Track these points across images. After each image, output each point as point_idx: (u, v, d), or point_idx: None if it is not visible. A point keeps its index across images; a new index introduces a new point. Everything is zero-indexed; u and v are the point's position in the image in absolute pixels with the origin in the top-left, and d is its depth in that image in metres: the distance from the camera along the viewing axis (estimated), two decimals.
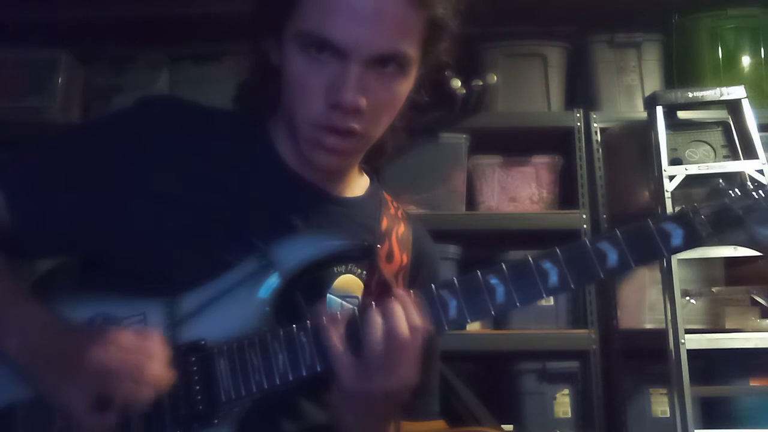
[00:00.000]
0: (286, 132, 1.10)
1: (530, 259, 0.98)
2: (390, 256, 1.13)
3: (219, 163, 1.08)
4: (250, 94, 1.14)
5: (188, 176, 1.05)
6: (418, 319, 0.93)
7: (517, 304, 0.97)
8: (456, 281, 0.97)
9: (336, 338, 0.92)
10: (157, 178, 1.04)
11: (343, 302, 1.07)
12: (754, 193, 0.99)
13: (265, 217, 1.06)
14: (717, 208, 0.98)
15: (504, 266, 0.97)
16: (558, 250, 0.97)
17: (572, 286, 0.97)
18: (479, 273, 0.97)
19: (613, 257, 0.96)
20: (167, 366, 0.91)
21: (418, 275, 1.18)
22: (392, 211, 1.19)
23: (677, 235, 0.97)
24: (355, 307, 0.97)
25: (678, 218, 0.98)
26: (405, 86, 1.04)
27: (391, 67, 1.00)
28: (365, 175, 1.22)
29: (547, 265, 0.97)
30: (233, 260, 1.01)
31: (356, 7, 0.95)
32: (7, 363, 0.94)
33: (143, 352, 0.90)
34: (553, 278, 0.96)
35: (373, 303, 0.95)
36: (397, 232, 1.16)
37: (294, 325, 0.96)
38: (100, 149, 1.06)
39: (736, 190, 0.99)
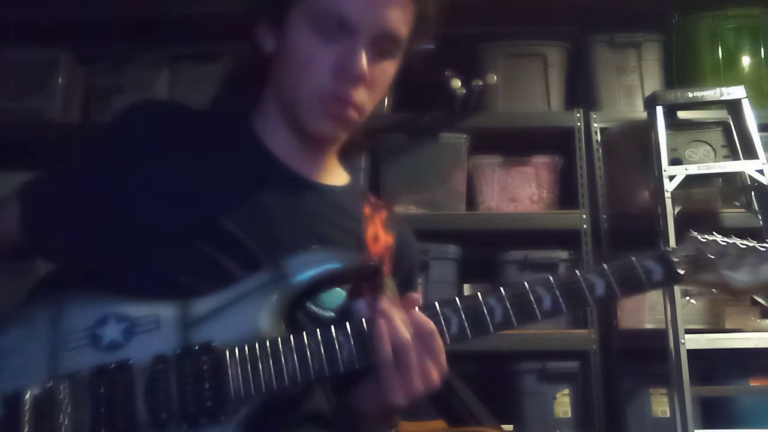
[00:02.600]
0: (279, 126, 1.16)
1: (526, 285, 1.04)
2: (376, 238, 1.20)
3: (208, 159, 1.12)
4: (234, 89, 1.21)
5: (179, 175, 1.09)
6: (428, 320, 0.99)
7: (515, 324, 1.04)
8: (458, 300, 1.03)
9: (388, 351, 0.97)
10: (148, 179, 1.08)
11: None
12: (722, 242, 1.10)
13: (254, 210, 1.10)
14: (691, 251, 1.09)
15: (502, 290, 1.04)
16: (551, 279, 1.05)
17: (565, 311, 1.05)
18: (480, 294, 1.04)
19: (600, 288, 1.05)
20: None
21: (402, 259, 1.23)
22: (372, 200, 1.27)
23: (657, 272, 1.07)
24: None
25: (658, 257, 1.08)
26: (393, 69, 1.15)
27: (388, 47, 1.11)
28: (345, 171, 1.28)
29: (542, 291, 1.04)
30: (224, 257, 1.05)
31: None
32: None
33: None
34: (547, 304, 1.04)
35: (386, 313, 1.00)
36: (380, 216, 1.23)
37: (304, 333, 0.99)
38: (97, 161, 1.12)
39: (706, 236, 1.11)
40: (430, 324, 0.98)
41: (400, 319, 0.97)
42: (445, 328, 1.01)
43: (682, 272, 1.06)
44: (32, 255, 1.19)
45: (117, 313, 0.98)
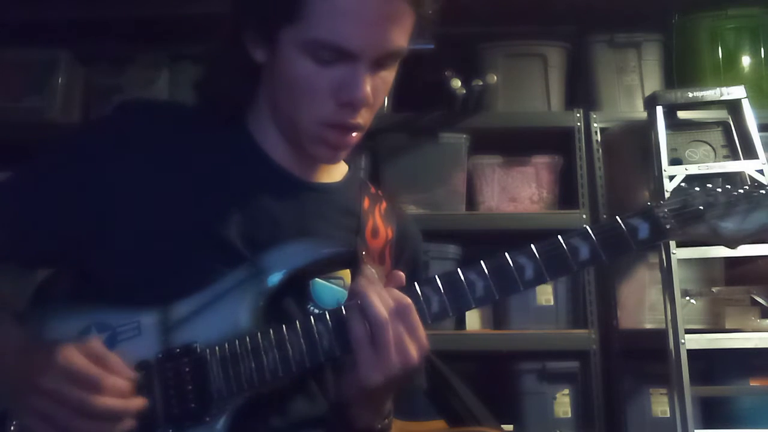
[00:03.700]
0: (272, 126, 1.13)
1: (507, 255, 1.03)
2: (375, 232, 1.17)
3: (201, 160, 1.10)
4: (226, 89, 1.16)
5: (170, 176, 1.07)
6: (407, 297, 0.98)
7: (497, 297, 1.02)
8: (437, 278, 1.02)
9: (363, 329, 0.95)
10: (138, 180, 1.05)
11: (330, 283, 1.09)
12: (711, 191, 1.07)
13: (249, 213, 1.08)
14: (678, 204, 1.06)
15: (482, 263, 1.03)
16: (533, 247, 1.03)
17: (548, 279, 1.03)
18: (459, 270, 1.02)
19: (584, 252, 1.03)
20: (124, 392, 0.91)
21: (403, 251, 1.22)
22: (372, 190, 1.25)
23: (644, 229, 1.04)
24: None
25: (642, 213, 1.05)
26: (393, 75, 1.10)
27: (390, 61, 1.06)
28: (343, 162, 1.25)
29: (523, 260, 1.02)
30: (215, 261, 1.03)
31: (365, 14, 0.99)
32: None
33: (93, 380, 0.88)
34: (529, 273, 1.02)
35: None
36: (380, 208, 1.21)
37: (284, 326, 0.99)
38: (79, 158, 1.08)
39: (696, 188, 1.07)
40: (406, 299, 0.97)
41: (376, 297, 0.96)
42: (425, 307, 0.99)
43: (668, 226, 1.04)
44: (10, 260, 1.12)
45: (98, 323, 0.98)
